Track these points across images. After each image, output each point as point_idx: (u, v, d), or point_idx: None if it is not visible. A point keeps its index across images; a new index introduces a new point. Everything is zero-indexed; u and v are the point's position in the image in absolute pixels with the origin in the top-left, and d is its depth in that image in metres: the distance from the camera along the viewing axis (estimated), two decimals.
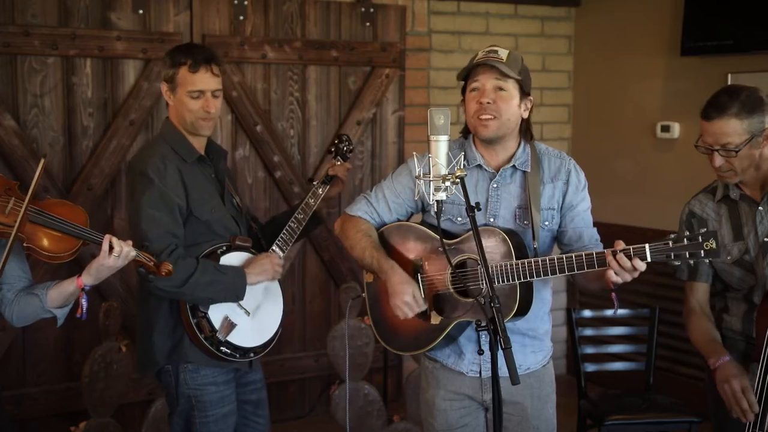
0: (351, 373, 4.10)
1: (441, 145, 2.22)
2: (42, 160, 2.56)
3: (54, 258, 2.60)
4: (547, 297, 2.72)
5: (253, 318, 3.01)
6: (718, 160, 2.72)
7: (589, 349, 4.10)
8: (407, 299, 2.56)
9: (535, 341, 2.69)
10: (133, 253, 2.61)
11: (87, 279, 2.61)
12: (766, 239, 2.74)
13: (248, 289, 2.95)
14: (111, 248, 2.56)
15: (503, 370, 2.22)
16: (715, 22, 4.68)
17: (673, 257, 2.32)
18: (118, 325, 3.94)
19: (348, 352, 3.06)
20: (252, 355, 3.00)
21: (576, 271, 2.41)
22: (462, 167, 2.24)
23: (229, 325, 2.92)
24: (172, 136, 2.99)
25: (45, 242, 2.56)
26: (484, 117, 2.54)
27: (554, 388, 2.76)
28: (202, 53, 2.94)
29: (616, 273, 2.34)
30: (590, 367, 4.07)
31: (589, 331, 4.11)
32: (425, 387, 2.79)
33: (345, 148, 3.42)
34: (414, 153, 2.29)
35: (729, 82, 4.72)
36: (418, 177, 2.24)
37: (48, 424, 4.25)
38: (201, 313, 2.89)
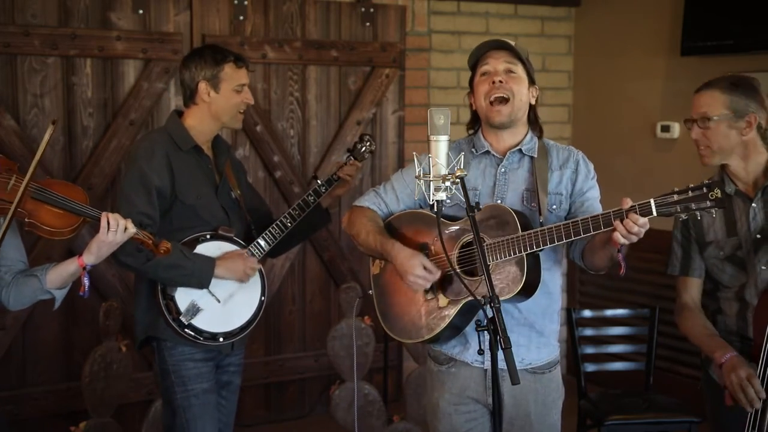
0: (353, 373, 4.10)
1: (441, 145, 2.22)
2: (51, 126, 2.57)
3: (55, 234, 2.63)
4: (557, 293, 2.71)
5: (224, 305, 3.09)
6: (695, 132, 2.75)
7: (589, 349, 4.10)
8: (418, 272, 2.57)
9: (542, 338, 2.67)
10: (132, 230, 2.65)
11: (88, 258, 2.64)
12: (758, 236, 2.72)
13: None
14: (114, 224, 2.61)
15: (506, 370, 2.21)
16: (715, 22, 4.68)
17: (679, 210, 2.28)
18: (118, 325, 3.94)
19: (355, 352, 3.05)
20: (221, 339, 3.07)
21: (582, 235, 2.38)
22: (462, 167, 2.24)
23: (194, 309, 3.03)
24: (172, 126, 3.14)
25: (46, 218, 2.61)
26: (496, 96, 2.58)
27: (561, 395, 2.74)
28: (233, 52, 3.16)
29: (624, 237, 2.32)
30: (590, 367, 4.07)
31: (589, 331, 4.12)
32: (430, 390, 2.78)
33: (363, 148, 3.47)
34: (414, 153, 2.29)
35: None
36: (417, 177, 2.24)
37: (48, 424, 4.25)
38: (169, 295, 3.02)
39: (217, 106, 3.10)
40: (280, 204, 4.72)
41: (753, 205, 2.75)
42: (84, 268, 2.64)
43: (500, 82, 2.58)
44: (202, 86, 3.09)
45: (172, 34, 4.41)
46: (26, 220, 2.59)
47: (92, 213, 2.65)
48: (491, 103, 2.60)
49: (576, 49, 5.68)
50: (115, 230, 2.61)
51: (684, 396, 4.18)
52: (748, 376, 2.60)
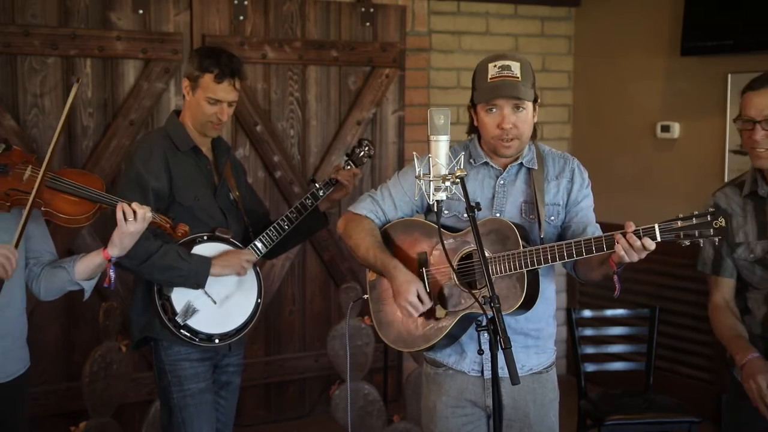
0: (351, 373, 4.10)
1: (441, 145, 2.21)
2: (75, 84, 2.62)
3: (71, 221, 2.68)
4: (552, 297, 2.71)
5: (220, 307, 3.09)
6: (760, 134, 2.63)
7: (589, 349, 4.10)
8: (411, 299, 2.56)
9: (539, 342, 2.68)
10: (150, 214, 2.71)
11: (112, 250, 2.70)
12: None
13: (220, 278, 3.07)
14: (129, 214, 2.66)
15: (505, 371, 2.21)
16: (715, 22, 4.68)
17: (682, 236, 2.28)
18: (118, 325, 3.94)
19: (348, 353, 3.05)
20: (217, 341, 3.07)
21: (584, 255, 2.38)
22: (462, 167, 2.23)
23: (190, 310, 3.03)
24: (171, 126, 3.15)
25: (62, 206, 2.65)
26: (505, 139, 2.54)
27: (557, 395, 2.74)
28: (230, 65, 3.06)
29: (624, 251, 2.30)
30: (590, 367, 4.07)
31: (589, 331, 4.12)
32: (426, 393, 2.77)
33: (362, 153, 3.46)
34: (414, 153, 2.29)
35: (729, 82, 4.72)
36: (418, 177, 2.24)
37: (48, 424, 4.25)
38: (165, 295, 3.02)
39: (191, 107, 3.11)
40: (280, 204, 4.72)
41: None
42: (109, 261, 2.70)
43: (510, 127, 2.52)
44: (185, 82, 3.12)
45: (172, 34, 4.41)
46: (43, 209, 2.63)
47: (108, 199, 2.70)
48: (500, 140, 2.55)
49: (576, 49, 5.68)
50: (134, 219, 2.67)
51: (684, 396, 4.19)
52: (765, 384, 2.58)
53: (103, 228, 2.81)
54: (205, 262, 3.02)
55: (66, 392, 4.31)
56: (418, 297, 2.56)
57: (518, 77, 2.51)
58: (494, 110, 2.53)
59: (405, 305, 2.57)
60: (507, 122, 2.52)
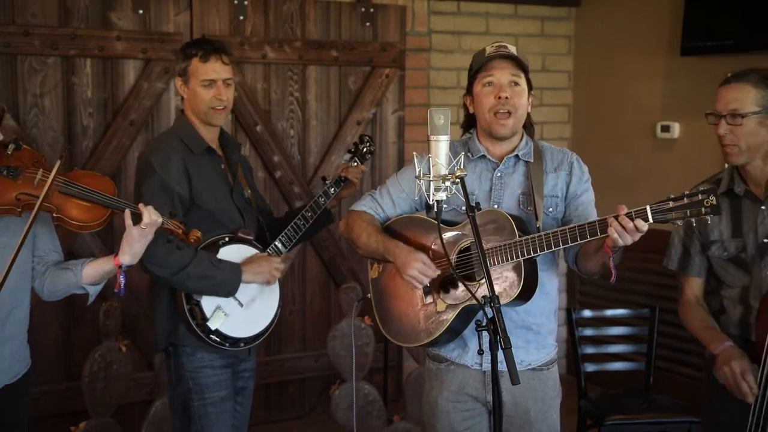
0: (352, 373, 4.10)
1: (441, 145, 2.22)
2: (58, 162, 2.57)
3: (83, 227, 2.63)
4: (553, 293, 2.72)
5: (246, 310, 3.03)
6: (723, 128, 2.67)
7: (589, 349, 4.10)
8: (417, 265, 2.58)
9: (539, 337, 2.68)
10: (160, 220, 2.65)
11: (123, 258, 2.64)
12: (765, 240, 2.68)
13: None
14: (140, 219, 2.60)
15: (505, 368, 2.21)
16: (715, 22, 4.68)
17: (674, 216, 2.29)
18: (118, 325, 3.95)
19: (354, 353, 3.05)
20: (242, 345, 3.02)
21: (579, 240, 2.40)
22: (462, 167, 2.24)
23: (220, 315, 2.96)
24: (182, 129, 3.07)
25: (74, 212, 2.60)
26: (502, 112, 2.59)
27: (559, 392, 2.75)
28: (211, 44, 3.05)
29: (617, 234, 2.31)
30: (590, 367, 4.07)
31: (589, 331, 4.12)
32: (428, 389, 2.78)
33: (365, 149, 3.47)
34: (414, 153, 2.30)
35: None
36: (418, 177, 2.24)
37: (48, 424, 4.25)
38: (194, 300, 2.95)
39: (191, 102, 3.05)
40: (280, 204, 4.72)
41: (762, 207, 2.70)
42: (120, 267, 2.65)
43: (506, 98, 2.58)
44: (178, 82, 3.08)
45: (172, 34, 4.41)
46: (54, 215, 2.59)
47: (121, 205, 2.65)
48: (495, 114, 2.60)
49: (576, 49, 5.68)
50: (145, 227, 2.60)
51: (684, 396, 4.18)
52: (741, 371, 2.59)
53: (104, 229, 2.78)
54: (237, 270, 2.96)
55: (66, 392, 4.31)
56: (423, 264, 2.58)
57: (515, 53, 2.63)
58: (491, 85, 2.60)
59: (413, 273, 2.58)
60: (504, 91, 2.59)
